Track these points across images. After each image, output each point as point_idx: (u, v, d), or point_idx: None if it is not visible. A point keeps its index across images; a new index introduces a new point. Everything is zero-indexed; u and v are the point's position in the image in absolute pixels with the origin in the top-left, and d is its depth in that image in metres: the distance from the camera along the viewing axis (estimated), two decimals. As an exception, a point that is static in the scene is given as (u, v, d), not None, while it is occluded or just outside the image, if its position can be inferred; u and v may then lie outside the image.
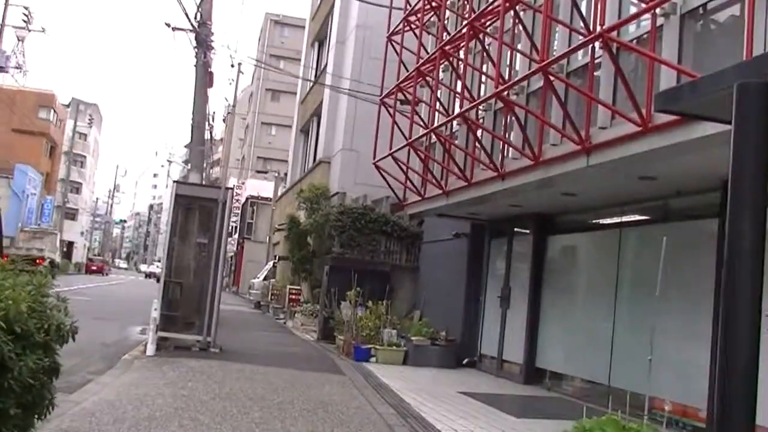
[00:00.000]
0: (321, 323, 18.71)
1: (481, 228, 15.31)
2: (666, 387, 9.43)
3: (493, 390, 12.27)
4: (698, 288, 8.97)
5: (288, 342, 18.01)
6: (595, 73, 9.30)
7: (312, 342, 18.32)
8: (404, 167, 14.43)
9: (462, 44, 12.10)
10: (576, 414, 10.60)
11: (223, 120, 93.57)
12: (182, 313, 13.29)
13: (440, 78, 13.58)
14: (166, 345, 12.86)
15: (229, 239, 68.98)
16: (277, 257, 35.60)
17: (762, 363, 2.71)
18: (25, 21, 40.38)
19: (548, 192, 10.67)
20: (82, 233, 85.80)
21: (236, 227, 63.72)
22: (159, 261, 58.28)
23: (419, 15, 14.59)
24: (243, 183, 66.05)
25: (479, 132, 12.07)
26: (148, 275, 70.45)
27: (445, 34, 13.17)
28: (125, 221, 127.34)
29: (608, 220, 11.40)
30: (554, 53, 9.67)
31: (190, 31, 18.34)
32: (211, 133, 43.84)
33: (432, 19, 14.94)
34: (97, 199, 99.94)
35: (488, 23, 11.61)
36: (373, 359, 14.46)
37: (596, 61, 9.08)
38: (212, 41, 18.65)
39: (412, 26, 14.99)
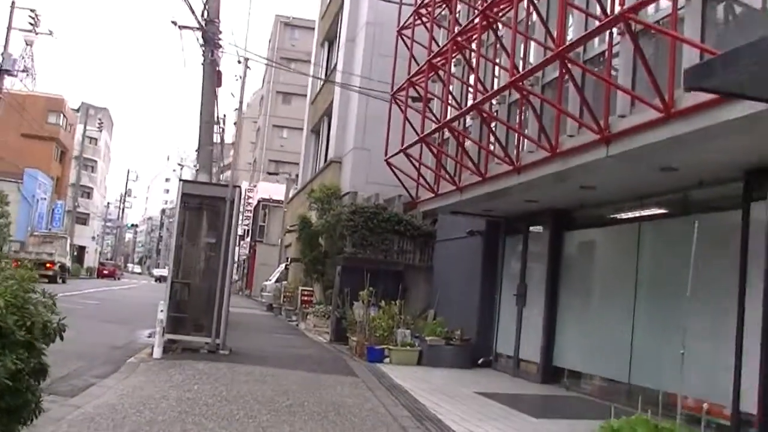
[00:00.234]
0: (333, 324, 18.40)
1: (495, 225, 14.94)
2: (689, 384, 9.05)
3: (510, 390, 11.92)
4: (720, 283, 8.61)
5: (299, 344, 17.70)
6: (612, 61, 8.95)
7: (324, 343, 18.01)
8: (417, 163, 14.07)
9: (474, 35, 11.74)
10: (596, 413, 10.27)
11: (235, 123, 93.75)
12: (190, 315, 12.98)
13: (452, 71, 13.22)
14: (173, 347, 12.57)
15: (242, 242, 69.29)
16: (289, 259, 35.36)
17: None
18: (31, 24, 40.25)
19: (565, 185, 10.30)
20: (93, 238, 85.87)
21: (248, 230, 63.61)
22: (171, 264, 57.91)
23: (430, 8, 14.24)
24: (255, 186, 65.95)
25: (493, 125, 11.69)
26: (159, 279, 70.32)
27: (456, 27, 12.80)
28: (137, 226, 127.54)
29: (627, 215, 11.02)
30: (570, 41, 9.29)
31: (197, 29, 18.06)
32: (222, 136, 43.67)
33: (443, 12, 14.60)
34: (108, 203, 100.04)
35: (501, 13, 11.24)
36: (386, 360, 14.13)
37: (614, 47, 8.70)
38: (220, 39, 18.36)
39: (423, 19, 14.64)
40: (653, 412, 8.70)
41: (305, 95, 41.75)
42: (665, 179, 8.96)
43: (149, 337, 15.36)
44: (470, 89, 13.47)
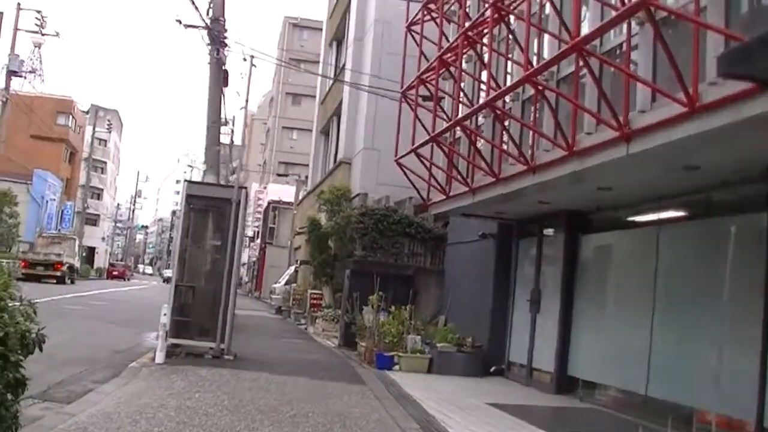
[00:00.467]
0: (342, 329, 18.03)
1: (508, 228, 14.52)
2: (709, 397, 8.65)
3: (523, 401, 11.50)
4: (744, 289, 8.18)
5: (307, 349, 17.34)
6: (631, 55, 8.54)
7: (333, 348, 17.64)
8: (428, 163, 13.67)
9: (486, 29, 11.33)
10: (612, 427, 9.90)
11: (245, 126, 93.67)
12: (195, 319, 12.63)
13: (463, 68, 12.81)
14: (177, 352, 12.23)
15: (251, 244, 68.99)
16: (298, 262, 35.05)
17: None
18: (38, 25, 40.11)
19: (582, 186, 9.89)
20: (103, 239, 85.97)
21: (258, 232, 63.45)
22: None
23: (439, 2, 13.84)
24: (265, 188, 65.83)
25: (507, 123, 11.27)
26: (167, 280, 70.26)
27: (467, 21, 12.39)
28: (147, 227, 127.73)
29: (645, 217, 10.58)
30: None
31: (203, 28, 17.76)
32: (231, 138, 43.38)
33: (453, 7, 14.20)
34: (118, 204, 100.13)
35: (514, 5, 10.84)
36: (396, 367, 13.73)
37: (632, 39, 8.28)
38: (226, 38, 18.05)
39: (433, 14, 14.24)
40: (673, 426, 8.36)
41: (315, 96, 41.52)
42: (687, 179, 8.53)
43: (155, 339, 15.05)
44: (482, 86, 13.09)
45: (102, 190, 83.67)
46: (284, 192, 54.32)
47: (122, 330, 17.53)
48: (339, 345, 17.80)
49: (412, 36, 14.81)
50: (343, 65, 29.33)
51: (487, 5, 10.76)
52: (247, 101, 15.29)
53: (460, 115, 12.27)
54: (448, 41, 13.27)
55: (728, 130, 6.37)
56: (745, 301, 8.12)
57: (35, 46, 67.59)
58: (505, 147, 11.47)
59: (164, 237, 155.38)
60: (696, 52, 6.56)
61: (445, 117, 13.60)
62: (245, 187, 14.09)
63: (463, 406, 10.25)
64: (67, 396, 8.43)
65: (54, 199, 62.09)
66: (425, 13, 14.41)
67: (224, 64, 18.36)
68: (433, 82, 13.47)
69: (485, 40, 11.89)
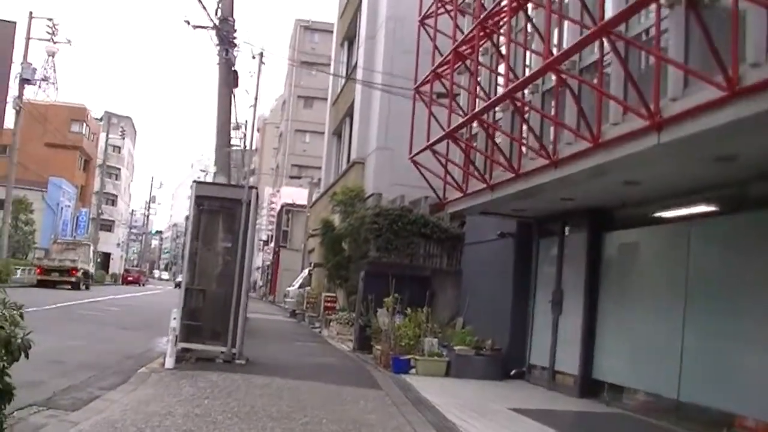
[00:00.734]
0: (357, 332, 17.64)
1: (528, 227, 14.07)
2: (749, 402, 8.18)
3: (546, 405, 11.06)
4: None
5: (322, 352, 16.94)
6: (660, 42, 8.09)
7: (347, 352, 17.25)
8: (443, 160, 13.24)
9: (503, 18, 10.90)
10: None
11: (258, 130, 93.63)
12: (206, 323, 12.27)
13: (479, 60, 12.36)
14: (187, 357, 11.86)
15: (265, 247, 68.73)
16: (312, 264, 34.72)
17: None
18: (49, 33, 40.05)
19: (607, 181, 9.44)
20: (118, 245, 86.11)
21: (272, 235, 63.23)
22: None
23: (453, -7, 13.43)
24: (278, 191, 65.63)
25: (527, 115, 10.81)
26: (178, 285, 70.27)
27: (483, 12, 11.93)
28: (161, 232, 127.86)
29: (675, 212, 10.09)
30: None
31: (211, 28, 17.47)
32: (244, 141, 43.21)
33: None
34: (132, 210, 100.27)
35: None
36: (412, 371, 13.31)
37: (661, 24, 7.83)
38: (235, 38, 17.74)
39: (447, 7, 13.80)
40: None
41: (327, 99, 41.23)
42: (722, 171, 8.07)
43: (167, 344, 14.74)
44: (499, 80, 12.66)
45: (116, 196, 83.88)
46: (297, 195, 54.07)
47: (134, 335, 17.24)
48: (354, 348, 17.41)
49: (426, 30, 14.38)
50: (355, 64, 28.97)
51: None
52: (256, 99, 14.98)
53: (476, 110, 11.80)
54: (462, 34, 12.85)
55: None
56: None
57: (49, 55, 67.85)
58: (524, 141, 11.02)
59: (179, 242, 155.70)
60: (735, 31, 6.11)
61: (460, 113, 13.17)
62: (255, 187, 13.68)
63: (484, 412, 9.83)
64: (73, 403, 8.07)
65: (69, 206, 62.21)
66: (439, 5, 13.97)
67: (234, 64, 18.06)
68: (448, 77, 13.04)
69: (503, 31, 11.43)
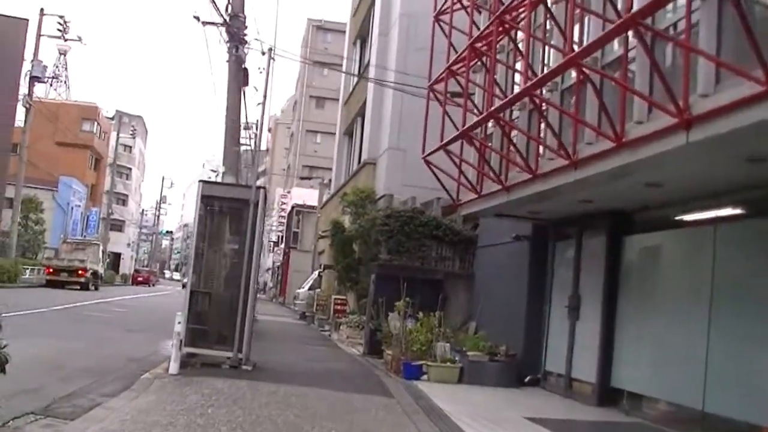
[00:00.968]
0: (367, 336, 17.28)
1: (544, 230, 13.66)
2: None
3: (563, 414, 10.69)
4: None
5: (331, 357, 16.58)
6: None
7: (357, 356, 16.88)
8: (457, 160, 12.84)
9: (523, 13, 10.50)
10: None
11: (269, 130, 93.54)
12: (212, 327, 11.91)
13: (496, 57, 11.96)
14: (192, 362, 11.52)
15: (276, 249, 68.53)
16: (322, 266, 34.39)
17: None
18: (60, 30, 39.85)
19: (629, 183, 9.02)
20: (128, 245, 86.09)
21: (282, 237, 63.00)
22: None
23: (470, -12, 13.03)
24: (289, 192, 65.40)
25: (545, 110, 10.40)
26: (185, 286, 70.19)
27: (500, 6, 11.53)
28: (171, 232, 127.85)
29: (699, 215, 9.66)
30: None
31: (221, 24, 17.15)
32: (256, 141, 42.97)
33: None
34: (143, 210, 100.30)
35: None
36: (424, 377, 12.93)
37: (692, 16, 7.42)
38: (245, 35, 17.42)
39: (463, 2, 13.41)
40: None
41: (338, 99, 40.93)
42: (751, 172, 7.64)
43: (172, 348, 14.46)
44: (516, 78, 12.26)
45: (127, 196, 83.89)
46: (308, 196, 53.82)
47: (140, 337, 16.96)
48: (364, 353, 17.05)
49: (440, 27, 14.00)
50: (368, 63, 28.60)
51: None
52: (265, 97, 14.55)
53: (493, 108, 11.40)
54: (479, 30, 12.46)
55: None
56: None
57: (61, 54, 67.86)
58: (542, 141, 10.61)
59: (189, 242, 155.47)
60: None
61: (476, 112, 12.78)
62: (264, 187, 13.32)
63: (499, 421, 9.48)
64: (72, 411, 7.75)
65: (79, 206, 62.19)
66: (455, 1, 13.58)
67: (244, 62, 17.75)
68: (463, 75, 12.65)
69: (521, 25, 11.02)
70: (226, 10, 17.24)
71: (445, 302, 15.60)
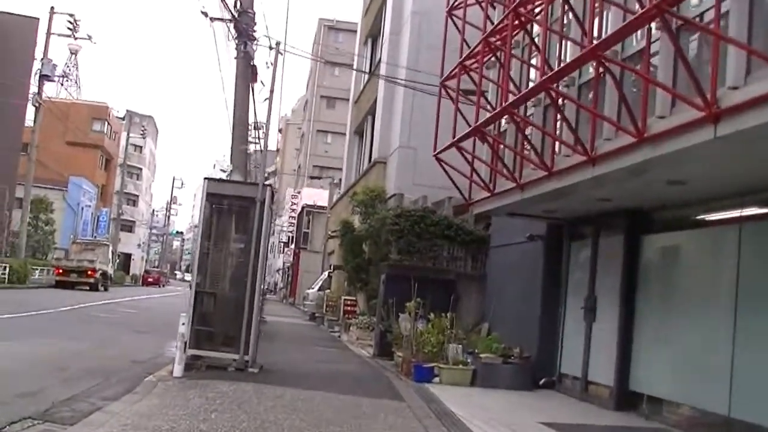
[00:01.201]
0: (377, 337, 16.95)
1: (558, 229, 13.31)
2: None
3: (580, 419, 10.33)
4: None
5: (340, 359, 16.26)
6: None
7: (367, 358, 16.56)
8: (470, 157, 12.50)
9: (539, 5, 10.15)
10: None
11: (279, 130, 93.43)
12: (217, 328, 11.62)
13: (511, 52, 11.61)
14: (197, 365, 11.21)
15: (286, 249, 68.36)
16: (332, 267, 34.13)
17: None
18: (70, 29, 39.73)
19: (649, 180, 8.68)
20: (139, 245, 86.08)
21: (292, 237, 62.81)
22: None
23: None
24: (299, 192, 65.22)
25: (561, 104, 10.04)
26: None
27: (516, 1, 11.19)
28: (182, 233, 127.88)
29: (723, 214, 9.31)
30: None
31: (229, 20, 16.87)
32: (266, 142, 42.84)
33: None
34: (153, 211, 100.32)
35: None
36: (435, 380, 12.60)
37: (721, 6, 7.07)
38: (254, 31, 17.13)
39: (477, -5, 13.07)
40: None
41: (349, 99, 40.66)
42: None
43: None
44: (531, 74, 11.92)
45: (137, 196, 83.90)
46: (318, 196, 53.61)
47: (147, 339, 16.72)
48: (374, 354, 16.73)
49: (453, 22, 13.66)
50: (379, 60, 28.31)
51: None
52: (272, 92, 14.22)
53: (508, 103, 11.04)
54: (492, 23, 12.12)
55: None
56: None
57: (71, 53, 67.86)
58: (559, 137, 10.26)
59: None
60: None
61: (489, 108, 12.44)
62: (271, 185, 13.01)
63: (514, 426, 9.16)
64: (71, 416, 7.50)
65: (89, 206, 62.17)
66: (469, -7, 13.24)
67: (253, 59, 17.47)
68: (476, 70, 12.31)
69: (538, 18, 10.67)
70: (235, 5, 16.97)
71: (456, 303, 15.27)
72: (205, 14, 17.01)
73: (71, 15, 39.38)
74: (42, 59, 37.73)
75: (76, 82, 75.98)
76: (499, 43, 11.67)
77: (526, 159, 11.15)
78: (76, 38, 40.26)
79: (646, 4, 7.04)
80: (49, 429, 6.89)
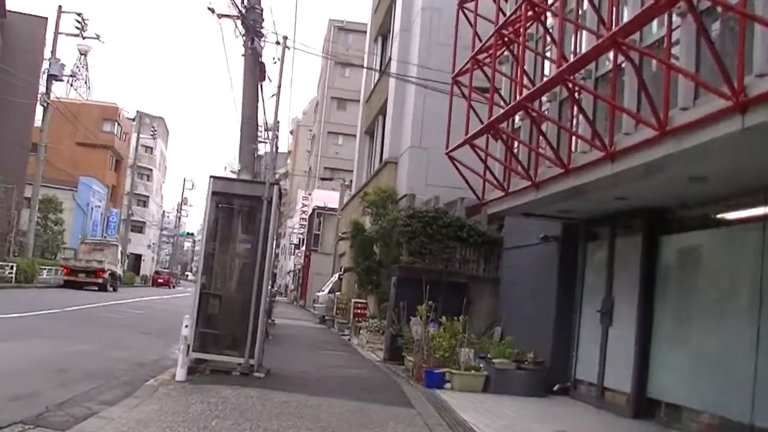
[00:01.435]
0: (388, 341, 16.62)
1: (574, 229, 12.90)
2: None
3: (597, 427, 10.00)
4: None
5: (350, 363, 15.90)
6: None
7: (377, 362, 16.20)
8: (483, 155, 12.11)
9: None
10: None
11: (291, 132, 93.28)
12: (222, 331, 11.27)
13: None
14: (201, 369, 10.89)
15: (296, 251, 68.20)
16: (342, 269, 33.78)
17: None
18: (78, 28, 39.59)
19: (670, 177, 8.28)
20: (149, 246, 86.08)
21: (303, 239, 62.59)
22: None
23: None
24: (310, 194, 65.00)
25: (578, 101, 9.64)
26: None
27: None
28: (193, 234, 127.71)
29: (746, 213, 8.89)
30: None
31: (236, 17, 16.52)
32: (276, 143, 42.63)
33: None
34: (164, 212, 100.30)
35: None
36: (447, 385, 12.23)
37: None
38: (262, 27, 16.78)
39: (490, -13, 12.68)
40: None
41: (360, 101, 40.35)
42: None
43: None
44: (546, 66, 11.52)
45: (148, 197, 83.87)
46: (329, 198, 53.38)
47: (152, 340, 16.45)
48: (384, 359, 16.37)
49: (465, 15, 13.28)
50: (389, 58, 27.95)
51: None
52: (279, 87, 13.89)
53: (522, 97, 10.63)
54: (504, 15, 11.73)
55: None
56: None
57: (81, 54, 67.87)
58: (575, 133, 9.87)
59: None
60: None
61: (502, 104, 12.05)
62: (278, 183, 12.67)
63: (529, 436, 8.76)
64: (65, 421, 7.20)
65: (99, 207, 62.15)
66: (481, -15, 12.86)
67: (261, 56, 17.11)
68: (489, 65, 11.92)
69: (554, 8, 10.27)
70: (242, 1, 16.63)
71: (469, 306, 14.88)
72: (212, 10, 16.64)
73: (79, 14, 39.25)
74: (50, 59, 37.59)
75: (86, 83, 76.03)
76: (512, 35, 11.27)
77: (541, 156, 10.74)
78: (84, 38, 40.11)
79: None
80: (38, 436, 6.58)
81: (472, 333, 13.80)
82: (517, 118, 11.95)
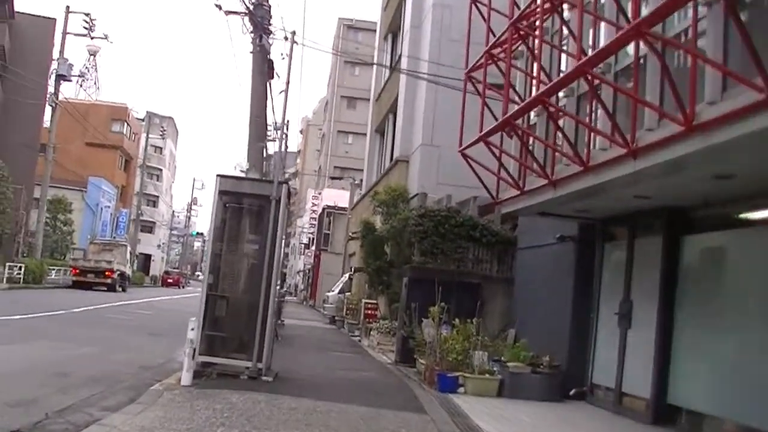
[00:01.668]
0: (399, 343, 16.30)
1: (591, 229, 12.55)
2: None
3: (616, 435, 9.59)
4: None
5: (360, 365, 15.59)
6: None
7: (388, 365, 15.89)
8: (498, 152, 11.77)
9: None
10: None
11: (300, 132, 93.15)
12: (229, 334, 11.00)
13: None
14: (207, 372, 10.60)
15: (306, 251, 68.04)
16: (352, 269, 33.49)
17: None
18: (86, 28, 39.49)
19: (695, 175, 7.96)
20: (159, 246, 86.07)
21: (313, 238, 62.40)
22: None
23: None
24: (320, 193, 64.84)
25: (598, 94, 9.28)
26: None
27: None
28: (203, 234, 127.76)
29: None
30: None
31: (244, 13, 16.27)
32: (285, 143, 42.45)
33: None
34: (173, 212, 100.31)
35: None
36: (460, 389, 11.89)
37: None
38: (270, 24, 16.52)
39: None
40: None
41: (369, 99, 40.06)
42: None
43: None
44: (563, 61, 11.17)
45: (157, 197, 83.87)
46: (339, 197, 53.18)
47: (159, 342, 16.20)
48: (395, 361, 16.06)
49: (478, 9, 12.95)
50: (400, 55, 27.64)
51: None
52: (287, 83, 13.66)
53: (540, 92, 10.28)
54: (518, 8, 11.39)
55: None
56: None
57: (90, 54, 67.86)
58: (595, 128, 9.52)
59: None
60: None
61: (517, 100, 11.71)
62: (287, 182, 12.37)
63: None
64: (65, 429, 6.98)
65: (109, 207, 62.11)
66: (495, -22, 12.51)
67: (269, 53, 16.85)
68: (504, 59, 11.57)
69: (571, 1, 9.93)
70: (250, -1, 16.39)
71: (482, 308, 14.55)
72: (219, 7, 16.40)
73: (87, 14, 39.16)
74: (58, 59, 37.49)
75: (95, 83, 76.07)
76: (528, 28, 10.93)
77: (559, 153, 10.39)
78: (92, 38, 40.04)
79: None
80: (38, 443, 6.33)
81: (486, 335, 13.47)
82: (532, 114, 11.60)
